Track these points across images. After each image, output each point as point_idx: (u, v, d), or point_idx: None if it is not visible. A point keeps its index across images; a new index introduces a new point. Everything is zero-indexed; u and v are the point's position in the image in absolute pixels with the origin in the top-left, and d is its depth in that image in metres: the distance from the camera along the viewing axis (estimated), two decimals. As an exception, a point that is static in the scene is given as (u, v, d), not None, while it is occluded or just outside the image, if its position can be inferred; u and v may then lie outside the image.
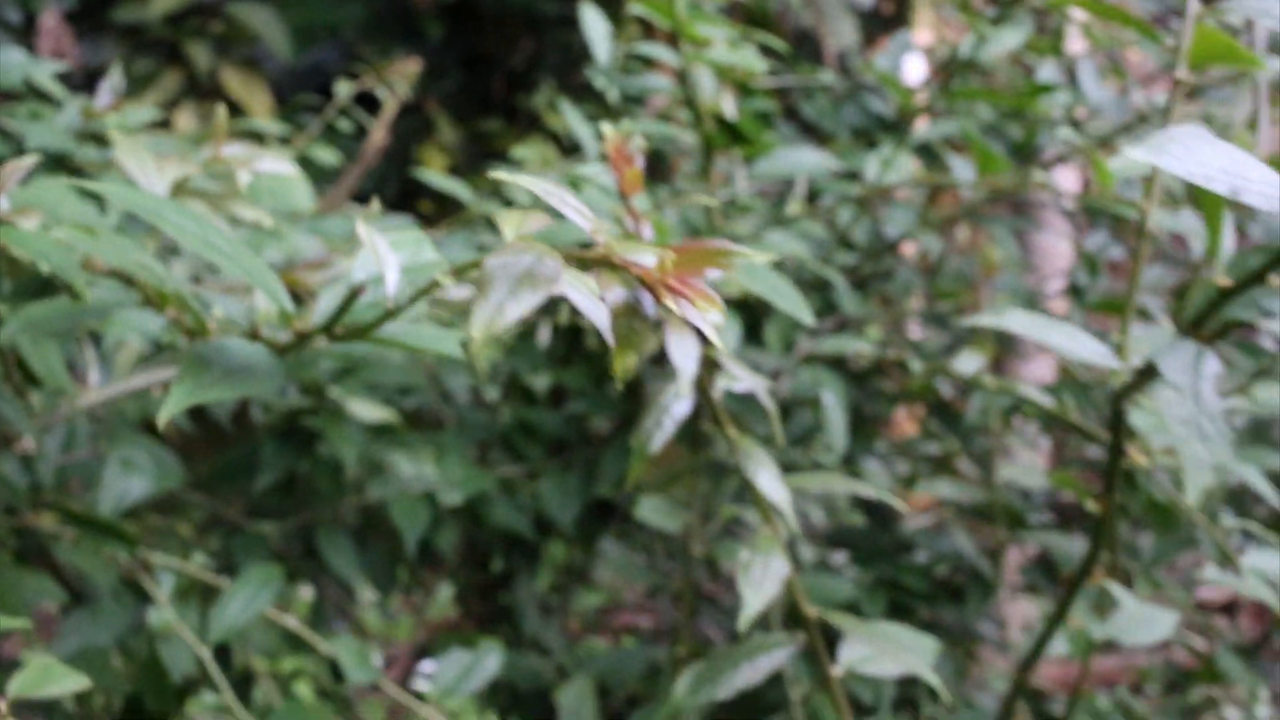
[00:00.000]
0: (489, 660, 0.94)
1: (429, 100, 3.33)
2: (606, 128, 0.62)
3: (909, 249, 1.49)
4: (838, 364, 1.12)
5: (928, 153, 1.21)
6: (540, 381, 1.27)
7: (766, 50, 1.28)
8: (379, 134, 1.86)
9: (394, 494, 1.17)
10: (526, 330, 1.28)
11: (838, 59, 2.97)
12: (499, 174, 0.45)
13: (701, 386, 0.67)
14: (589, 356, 1.24)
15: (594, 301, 0.43)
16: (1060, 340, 0.60)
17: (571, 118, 1.18)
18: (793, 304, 0.65)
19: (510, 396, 1.28)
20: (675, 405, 0.64)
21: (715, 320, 0.41)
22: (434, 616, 1.74)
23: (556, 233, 0.52)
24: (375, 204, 0.84)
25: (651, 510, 1.01)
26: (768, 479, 0.65)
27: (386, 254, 0.55)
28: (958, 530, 1.14)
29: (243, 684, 1.12)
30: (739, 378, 0.66)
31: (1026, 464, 1.09)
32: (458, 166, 3.17)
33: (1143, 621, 0.92)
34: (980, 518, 1.17)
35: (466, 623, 1.39)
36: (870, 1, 3.38)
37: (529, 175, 0.45)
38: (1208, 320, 0.55)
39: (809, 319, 0.64)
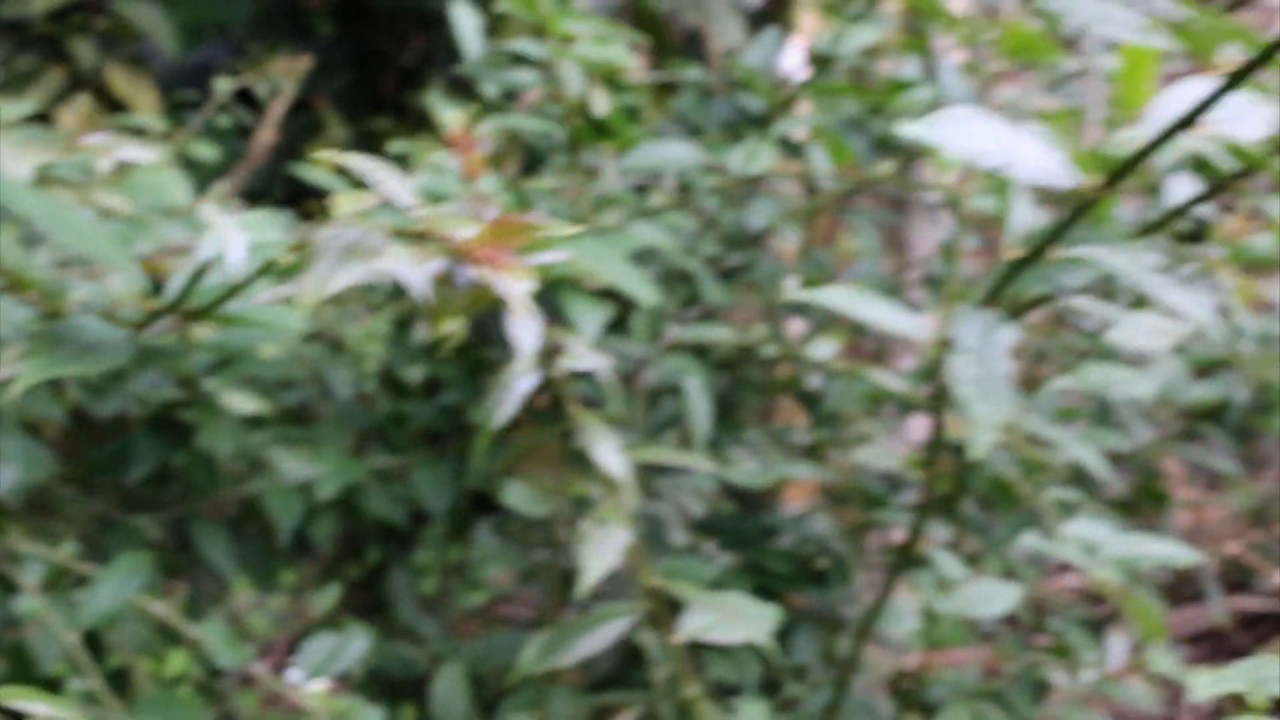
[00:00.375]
0: (355, 643, 0.96)
1: (319, 98, 3.32)
2: (450, 115, 0.64)
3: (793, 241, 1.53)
4: (702, 352, 1.15)
5: (792, 146, 1.25)
6: (415, 373, 1.29)
7: (654, 48, 1.31)
8: (267, 132, 1.87)
9: (269, 486, 1.18)
10: (403, 323, 1.30)
11: (723, 57, 3.01)
12: (322, 155, 0.47)
13: (546, 365, 0.69)
14: (463, 348, 1.26)
15: (414, 272, 0.46)
16: (873, 314, 0.64)
17: (442, 111, 1.20)
18: (637, 287, 0.68)
19: (386, 389, 1.30)
20: (518, 382, 0.66)
21: (525, 289, 0.44)
22: (319, 614, 1.75)
23: (391, 212, 0.54)
24: (221, 189, 0.86)
25: (518, 496, 1.03)
26: (607, 452, 0.68)
27: (231, 232, 0.57)
28: (819, 515, 1.17)
29: (118, 681, 1.12)
30: (581, 356, 0.68)
31: (882, 449, 1.12)
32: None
33: (986, 596, 0.96)
34: (846, 503, 1.21)
35: (344, 614, 1.41)
36: (759, 1, 3.42)
37: (354, 156, 0.47)
38: (1000, 292, 0.58)
39: (652, 299, 0.67)
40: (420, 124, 3.31)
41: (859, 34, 1.15)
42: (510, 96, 1.37)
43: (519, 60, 1.29)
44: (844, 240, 1.24)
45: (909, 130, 0.49)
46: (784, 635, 1.27)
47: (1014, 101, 1.27)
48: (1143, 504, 1.25)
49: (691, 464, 0.73)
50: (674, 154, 1.20)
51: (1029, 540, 0.87)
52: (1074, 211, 0.55)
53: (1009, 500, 0.94)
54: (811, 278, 1.19)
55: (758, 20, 3.44)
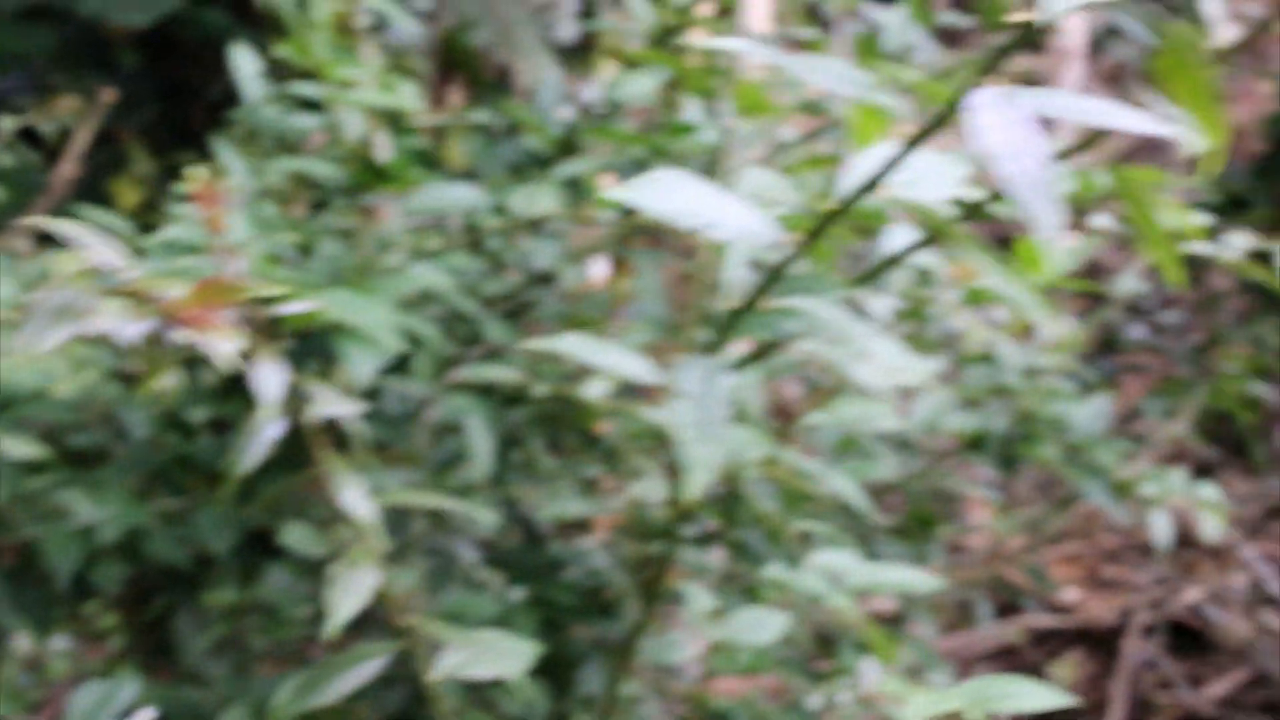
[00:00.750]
0: (126, 689, 0.95)
1: (124, 131, 3.26)
2: (193, 171, 0.65)
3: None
4: (486, 391, 1.17)
5: (576, 187, 1.27)
6: (200, 414, 1.28)
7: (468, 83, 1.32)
8: (68, 166, 1.83)
9: (47, 531, 1.17)
10: (190, 363, 1.29)
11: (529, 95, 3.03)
12: (29, 221, 0.48)
13: (296, 411, 0.70)
14: (248, 391, 1.26)
15: (124, 331, 0.47)
16: (608, 360, 0.66)
17: (224, 154, 1.21)
18: (385, 336, 0.69)
19: (172, 429, 1.29)
20: (265, 429, 0.67)
21: (232, 348, 0.45)
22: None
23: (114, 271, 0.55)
24: None
25: (295, 536, 1.04)
26: (353, 497, 0.69)
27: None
28: (598, 548, 1.20)
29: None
30: (329, 402, 0.70)
31: (655, 483, 1.15)
32: (154, 200, 3.11)
33: (755, 623, 0.99)
34: (633, 535, 1.24)
35: (133, 658, 1.39)
36: (573, 36, 3.45)
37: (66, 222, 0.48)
38: (722, 340, 0.62)
39: (393, 347, 0.68)
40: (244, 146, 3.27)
41: (637, 81, 1.18)
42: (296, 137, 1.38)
43: (307, 104, 1.29)
44: (625, 280, 1.27)
45: (613, 194, 0.52)
46: (572, 667, 1.29)
47: (788, 144, 1.32)
48: (914, 529, 1.30)
49: (438, 505, 0.75)
50: (457, 196, 1.22)
51: (774, 570, 0.91)
52: (778, 266, 0.58)
53: (774, 532, 0.98)
54: (588, 317, 1.22)
55: (570, 56, 3.47)
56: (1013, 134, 0.45)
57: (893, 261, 0.67)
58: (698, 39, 1.51)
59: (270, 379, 0.59)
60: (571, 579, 1.26)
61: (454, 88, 3.35)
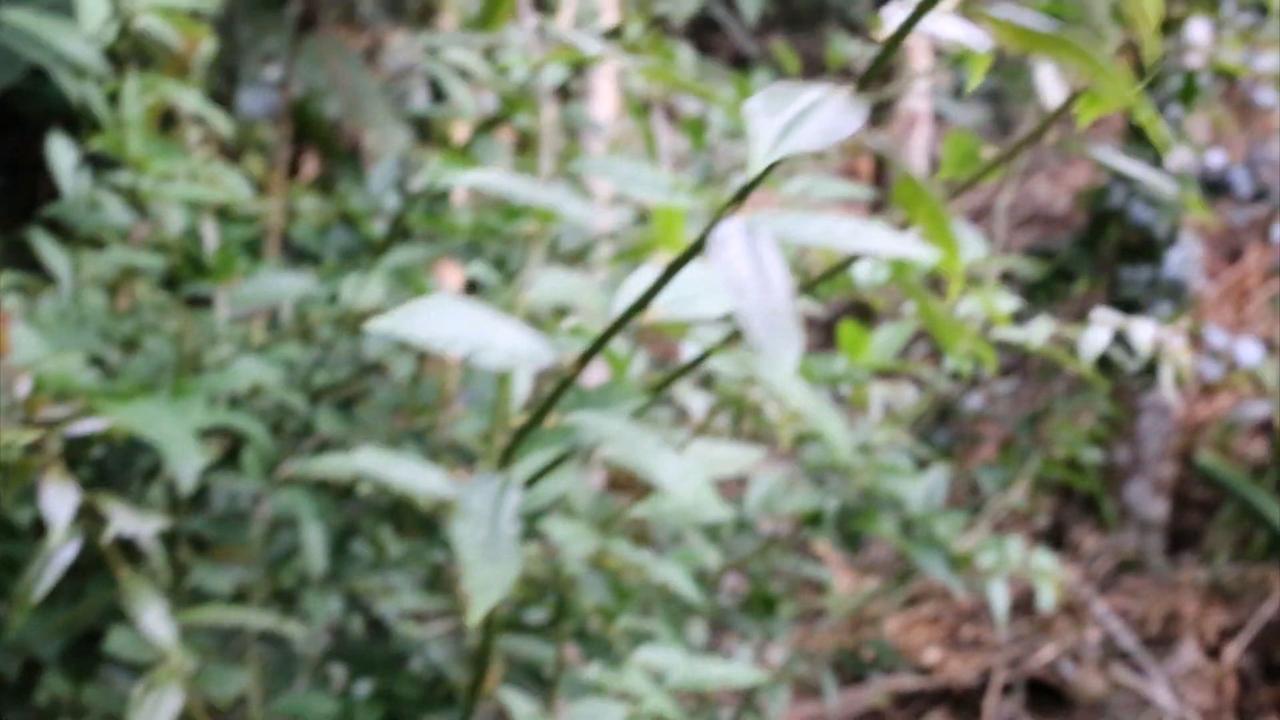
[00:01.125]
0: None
1: (-35, 209, 3.18)
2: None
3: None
4: (319, 485, 1.15)
5: (406, 275, 1.27)
6: (25, 515, 1.25)
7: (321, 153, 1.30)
8: (-96, 247, 1.78)
9: None
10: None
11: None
12: None
13: (93, 530, 0.69)
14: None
15: None
16: (402, 475, 0.66)
17: (44, 249, 1.18)
18: (182, 448, 0.68)
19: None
20: (58, 553, 0.66)
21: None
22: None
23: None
24: None
25: (122, 641, 1.01)
26: (152, 618, 0.68)
27: None
28: (438, 639, 1.18)
29: None
30: (125, 521, 0.68)
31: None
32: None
33: (594, 715, 0.99)
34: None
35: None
36: (427, 106, 3.44)
37: None
38: (511, 456, 0.61)
39: (198, 458, 0.67)
40: (70, 235, 3.21)
41: (458, 171, 1.18)
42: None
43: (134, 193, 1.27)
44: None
45: (377, 325, 0.52)
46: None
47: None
48: (758, 606, 1.30)
49: (238, 619, 0.74)
50: (287, 285, 1.20)
51: (595, 671, 0.90)
52: (558, 386, 0.58)
53: (603, 623, 0.98)
54: (422, 405, 1.21)
55: (425, 126, 3.46)
56: (753, 267, 0.46)
57: (684, 371, 0.68)
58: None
59: (58, 504, 0.58)
60: (415, 670, 1.24)
61: (308, 157, 3.32)
